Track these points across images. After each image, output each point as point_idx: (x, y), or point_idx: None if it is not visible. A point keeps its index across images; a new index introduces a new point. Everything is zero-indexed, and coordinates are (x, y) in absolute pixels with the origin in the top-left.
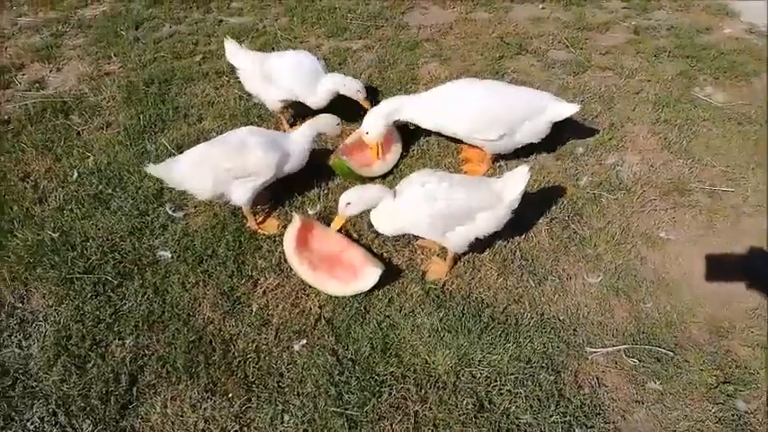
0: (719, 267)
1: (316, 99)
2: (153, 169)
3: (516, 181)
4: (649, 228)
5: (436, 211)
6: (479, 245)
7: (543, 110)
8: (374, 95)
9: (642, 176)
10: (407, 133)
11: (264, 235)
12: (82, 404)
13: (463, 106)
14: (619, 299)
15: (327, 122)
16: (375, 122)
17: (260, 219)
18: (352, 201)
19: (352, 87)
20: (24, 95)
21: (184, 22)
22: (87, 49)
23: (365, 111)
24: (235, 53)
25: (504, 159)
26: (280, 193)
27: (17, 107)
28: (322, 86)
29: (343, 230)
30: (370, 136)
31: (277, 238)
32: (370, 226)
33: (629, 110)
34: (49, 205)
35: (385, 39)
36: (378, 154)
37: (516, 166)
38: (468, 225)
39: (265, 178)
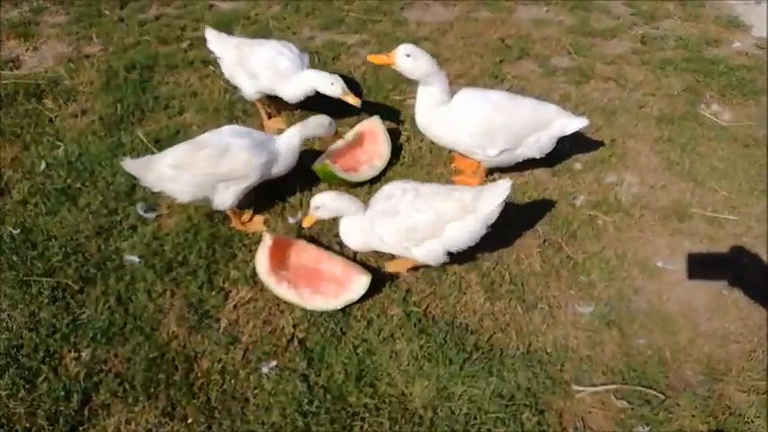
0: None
1: (290, 93)
2: (129, 165)
3: (494, 194)
4: (646, 255)
5: (398, 225)
6: (462, 259)
7: (549, 124)
8: (362, 101)
9: (641, 198)
10: (399, 138)
11: (246, 234)
12: (27, 424)
13: (464, 122)
14: (610, 332)
15: (319, 124)
16: (421, 63)
17: (244, 218)
18: (320, 206)
19: (324, 82)
20: None
21: (172, 5)
22: (67, 28)
23: (353, 110)
24: (216, 41)
25: (500, 172)
26: (261, 199)
27: None
28: (300, 82)
29: (325, 241)
30: (403, 64)
31: (253, 248)
32: None
33: (632, 125)
34: (11, 198)
35: (382, 34)
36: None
37: (510, 180)
38: (436, 238)
39: (251, 181)
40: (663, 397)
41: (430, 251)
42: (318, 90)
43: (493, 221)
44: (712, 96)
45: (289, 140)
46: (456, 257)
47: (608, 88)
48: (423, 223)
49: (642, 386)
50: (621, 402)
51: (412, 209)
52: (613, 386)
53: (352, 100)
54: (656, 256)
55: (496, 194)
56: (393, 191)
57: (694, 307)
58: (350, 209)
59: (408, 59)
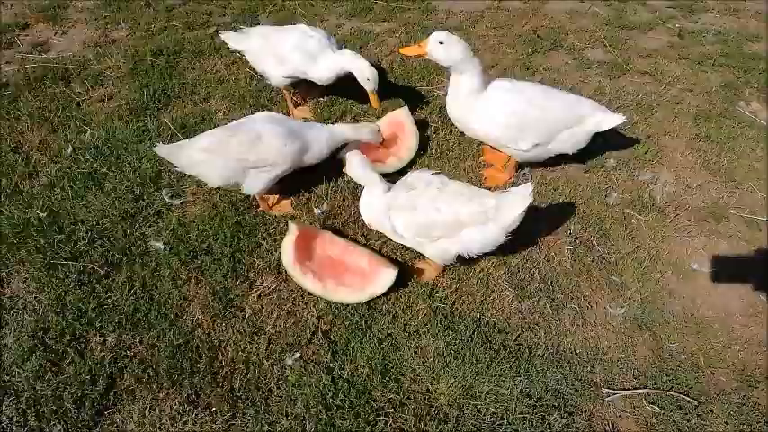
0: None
1: (320, 74)
2: (162, 150)
3: (516, 202)
4: (681, 257)
5: (415, 221)
6: (490, 256)
7: (583, 120)
8: (387, 89)
9: (677, 197)
10: (427, 129)
11: (271, 223)
12: (54, 406)
13: (497, 114)
14: (642, 335)
15: (370, 131)
16: (453, 50)
17: (272, 201)
18: (347, 162)
19: (362, 72)
20: (25, 58)
21: None
22: (95, 12)
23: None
24: (236, 40)
25: (531, 166)
26: (286, 189)
27: (16, 70)
28: (330, 61)
29: (351, 233)
30: (436, 52)
31: (278, 237)
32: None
33: (668, 122)
34: (39, 181)
35: (411, 23)
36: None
37: (541, 175)
38: (451, 240)
39: (282, 169)
40: (696, 403)
41: (443, 252)
42: (353, 73)
43: (514, 229)
44: (752, 94)
45: (325, 135)
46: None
47: (644, 83)
48: (440, 223)
49: (674, 391)
50: (653, 407)
51: (432, 207)
52: (645, 390)
53: (375, 102)
54: (691, 258)
55: (518, 203)
56: (416, 182)
57: (730, 312)
58: (366, 183)
59: (441, 47)
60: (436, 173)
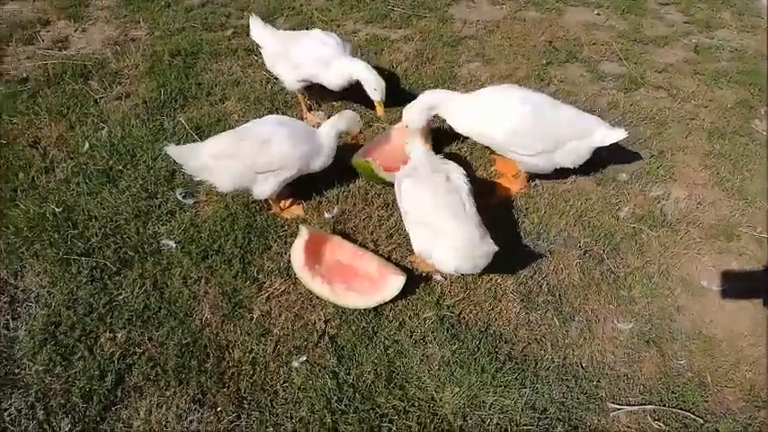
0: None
1: (330, 80)
2: (172, 151)
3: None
4: (690, 274)
5: (412, 195)
6: (498, 266)
7: (589, 132)
8: (401, 97)
9: (688, 214)
10: (440, 138)
11: (282, 226)
12: (62, 400)
13: (504, 114)
14: (649, 351)
15: (353, 118)
16: (417, 115)
17: (284, 204)
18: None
19: (369, 83)
20: (46, 54)
21: None
22: (116, 11)
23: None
24: (259, 31)
25: (541, 179)
26: (297, 193)
27: (37, 66)
28: (340, 68)
29: (360, 239)
30: (411, 128)
31: (288, 240)
32: (389, 236)
33: (682, 137)
34: (55, 176)
35: (426, 31)
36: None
37: (552, 187)
38: (428, 236)
39: (291, 173)
40: (701, 421)
41: (416, 241)
42: (361, 82)
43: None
44: (767, 112)
45: (327, 134)
46: (491, 265)
47: (658, 97)
48: (416, 210)
49: (680, 409)
50: (658, 424)
51: (428, 194)
52: (650, 407)
53: (380, 111)
54: (700, 276)
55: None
56: (442, 169)
57: (739, 331)
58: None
59: (408, 121)
60: (469, 182)
